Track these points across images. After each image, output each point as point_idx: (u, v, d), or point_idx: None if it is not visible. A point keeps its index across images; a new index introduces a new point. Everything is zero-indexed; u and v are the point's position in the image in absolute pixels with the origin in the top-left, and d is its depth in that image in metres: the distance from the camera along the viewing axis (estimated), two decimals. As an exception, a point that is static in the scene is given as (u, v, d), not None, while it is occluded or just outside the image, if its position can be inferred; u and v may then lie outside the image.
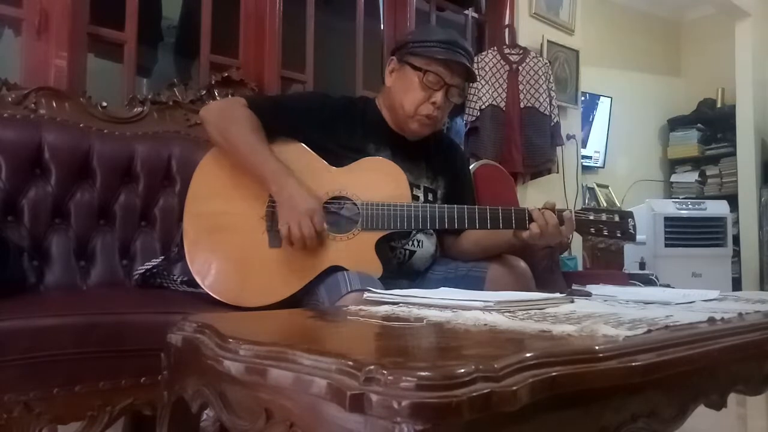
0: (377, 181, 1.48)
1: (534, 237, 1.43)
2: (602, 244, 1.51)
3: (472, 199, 1.75)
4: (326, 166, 1.50)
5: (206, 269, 1.41)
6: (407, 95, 1.53)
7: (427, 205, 1.53)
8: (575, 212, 1.48)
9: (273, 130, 1.50)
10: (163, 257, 1.67)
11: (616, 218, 1.47)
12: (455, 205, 1.47)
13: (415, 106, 1.53)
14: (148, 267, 1.64)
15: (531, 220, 1.43)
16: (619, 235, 1.47)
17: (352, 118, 1.59)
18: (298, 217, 1.36)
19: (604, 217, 1.48)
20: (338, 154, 1.51)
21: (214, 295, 1.38)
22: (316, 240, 1.37)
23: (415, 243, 1.57)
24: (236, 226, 1.44)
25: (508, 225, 1.46)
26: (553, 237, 1.45)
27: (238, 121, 1.48)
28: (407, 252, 1.56)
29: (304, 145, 1.52)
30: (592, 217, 1.48)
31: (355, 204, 1.45)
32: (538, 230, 1.42)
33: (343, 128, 1.56)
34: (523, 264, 1.55)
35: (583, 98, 3.82)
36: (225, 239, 1.44)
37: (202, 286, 1.39)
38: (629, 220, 1.48)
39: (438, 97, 1.52)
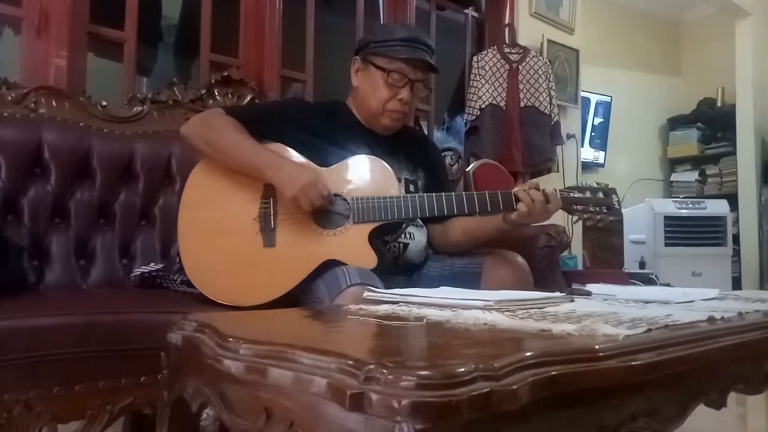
0: (365, 177, 1.50)
1: (522, 216, 1.45)
2: (590, 222, 1.52)
3: (450, 189, 1.78)
4: (313, 166, 1.50)
5: (203, 275, 1.42)
6: (374, 94, 1.59)
7: (416, 194, 1.55)
8: (560, 191, 1.50)
9: (255, 134, 1.50)
10: (162, 265, 1.68)
11: (600, 195, 1.51)
12: (443, 193, 1.50)
13: (383, 104, 1.58)
14: (146, 270, 1.64)
15: (517, 200, 1.45)
16: (605, 210, 1.50)
17: (329, 119, 1.63)
18: (304, 188, 1.38)
19: (588, 194, 1.51)
20: (323, 151, 1.53)
21: (212, 298, 1.38)
22: (324, 203, 1.40)
23: (408, 236, 1.59)
24: (230, 229, 1.45)
25: (496, 208, 1.48)
26: (541, 215, 1.47)
27: (221, 126, 1.50)
28: (401, 245, 1.58)
29: (288, 147, 1.52)
30: (577, 195, 1.51)
31: (346, 200, 1.47)
32: (525, 209, 1.44)
33: (323, 129, 1.58)
34: (520, 258, 1.56)
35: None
36: (220, 243, 1.44)
37: (201, 291, 1.40)
38: (613, 195, 1.52)
39: (404, 93, 1.57)
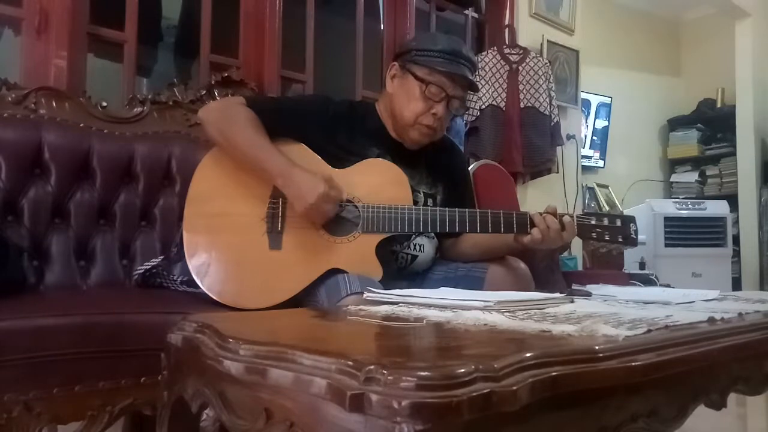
0: (379, 183, 1.48)
1: (535, 242, 1.43)
2: (603, 249, 1.50)
3: (471, 203, 1.75)
4: (327, 167, 1.49)
5: (206, 271, 1.41)
6: (408, 105, 1.53)
7: (428, 208, 1.52)
8: (577, 217, 1.47)
9: (273, 129, 1.49)
10: (162, 257, 1.67)
11: (618, 223, 1.47)
12: (456, 209, 1.47)
13: (416, 116, 1.53)
14: (148, 267, 1.64)
15: (532, 224, 1.43)
16: (620, 239, 1.47)
17: (352, 122, 1.58)
18: (314, 206, 1.36)
19: (605, 221, 1.47)
20: (339, 157, 1.50)
21: (213, 297, 1.37)
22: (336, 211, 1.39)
23: (417, 247, 1.56)
24: (236, 227, 1.43)
25: (509, 229, 1.45)
26: (555, 242, 1.45)
27: (238, 119, 1.47)
28: (409, 257, 1.56)
29: (304, 145, 1.51)
30: (593, 222, 1.47)
31: (356, 206, 1.45)
32: (539, 235, 1.42)
33: (344, 132, 1.55)
34: (522, 265, 1.55)
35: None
36: (225, 240, 1.43)
37: (202, 288, 1.39)
38: (631, 225, 1.47)
39: (439, 108, 1.52)
